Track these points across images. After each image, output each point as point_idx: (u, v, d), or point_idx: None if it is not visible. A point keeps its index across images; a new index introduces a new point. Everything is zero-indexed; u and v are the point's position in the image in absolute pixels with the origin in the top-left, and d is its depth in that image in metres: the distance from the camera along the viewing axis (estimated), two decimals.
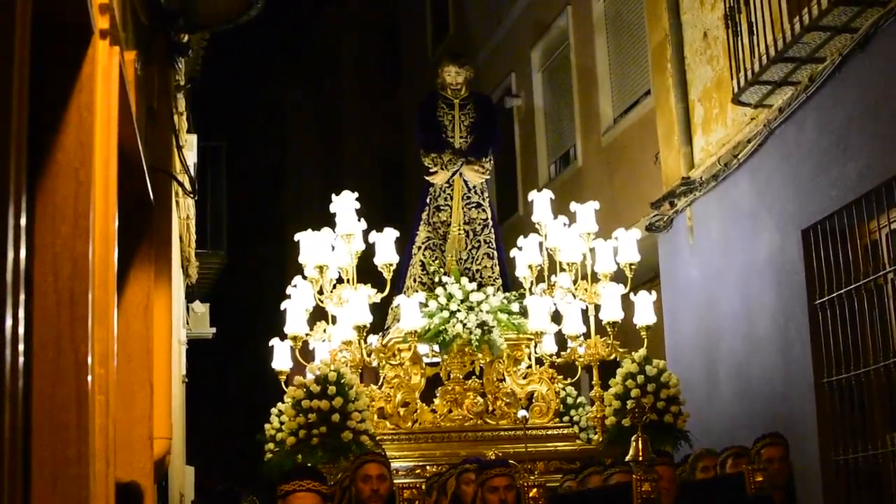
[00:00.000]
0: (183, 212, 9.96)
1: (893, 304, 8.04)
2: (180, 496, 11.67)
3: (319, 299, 8.97)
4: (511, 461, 7.11)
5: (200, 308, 15.56)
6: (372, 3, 22.55)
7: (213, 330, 15.93)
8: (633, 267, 9.19)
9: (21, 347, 2.35)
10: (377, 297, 8.85)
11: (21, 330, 2.37)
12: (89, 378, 3.20)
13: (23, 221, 2.32)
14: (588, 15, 13.69)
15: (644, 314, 9.11)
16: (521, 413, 8.19)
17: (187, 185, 8.70)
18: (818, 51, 8.47)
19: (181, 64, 7.50)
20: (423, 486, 7.09)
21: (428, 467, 8.39)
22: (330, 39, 23.97)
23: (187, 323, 14.32)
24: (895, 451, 8.02)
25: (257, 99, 27.61)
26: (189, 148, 10.65)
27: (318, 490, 5.05)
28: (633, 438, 5.79)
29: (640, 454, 5.73)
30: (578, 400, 9.96)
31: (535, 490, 6.30)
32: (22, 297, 2.36)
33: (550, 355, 9.34)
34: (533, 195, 9.58)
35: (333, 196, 9.19)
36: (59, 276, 3.17)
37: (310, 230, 9.09)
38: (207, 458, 20.46)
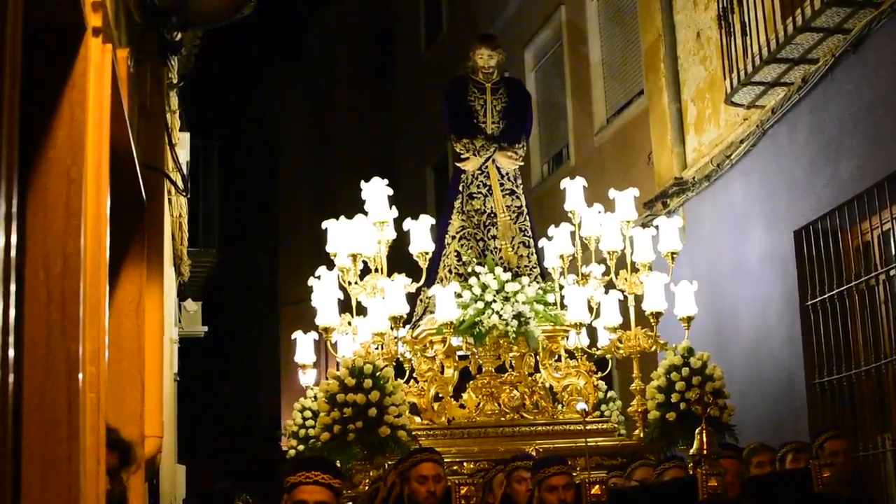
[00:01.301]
0: (175, 210, 9.94)
1: (885, 305, 8.05)
2: (172, 495, 11.65)
3: (349, 290, 8.58)
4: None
5: (192, 306, 15.54)
6: (366, 2, 22.53)
7: (205, 328, 15.92)
8: (675, 256, 8.85)
9: (11, 339, 2.35)
10: (412, 287, 8.55)
11: (12, 318, 2.36)
12: (80, 376, 3.19)
13: (14, 208, 2.32)
14: (581, 14, 13.69)
15: (685, 305, 8.69)
16: (581, 406, 7.80)
17: (179, 184, 8.69)
18: (811, 52, 8.49)
19: (174, 62, 7.50)
20: (479, 482, 6.74)
21: (465, 464, 8.08)
22: (324, 39, 23.95)
23: (179, 321, 14.31)
24: (886, 452, 8.03)
25: (251, 98, 27.58)
26: (182, 146, 10.64)
27: (328, 483, 4.36)
28: (696, 432, 5.55)
29: (706, 448, 5.48)
30: (609, 394, 9.62)
31: (597, 487, 5.94)
32: (13, 286, 2.35)
33: (589, 347, 8.95)
34: (566, 182, 9.14)
35: (363, 183, 8.84)
36: (50, 273, 3.16)
37: (342, 217, 8.71)
38: (200, 456, 20.47)
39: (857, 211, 8.22)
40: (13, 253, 2.36)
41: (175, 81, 8.38)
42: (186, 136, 11.92)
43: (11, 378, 2.38)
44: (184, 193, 9.44)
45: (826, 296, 8.61)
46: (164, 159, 6.89)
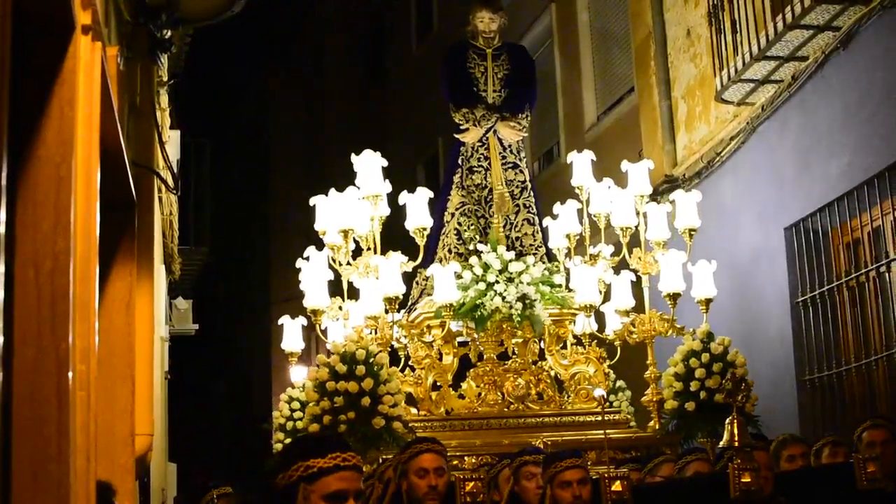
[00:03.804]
0: (166, 208, 9.93)
1: (874, 302, 8.07)
2: (162, 492, 11.66)
3: (340, 270, 7.96)
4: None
5: (183, 304, 15.54)
6: (358, 2, 22.53)
7: (196, 326, 15.92)
8: (693, 233, 8.25)
9: (0, 324, 2.34)
10: (409, 266, 7.97)
11: (1, 299, 2.36)
12: (70, 374, 3.19)
13: (3, 180, 2.32)
14: (572, 12, 13.70)
15: (703, 286, 8.07)
16: (599, 392, 7.14)
17: (170, 182, 8.67)
18: (801, 49, 8.51)
19: (164, 59, 7.48)
20: (485, 477, 5.94)
21: (466, 458, 7.47)
22: (315, 37, 23.95)
23: (170, 319, 14.30)
24: None
25: (242, 95, 27.57)
26: (172, 144, 10.63)
27: (362, 468, 3.52)
28: (727, 422, 4.99)
29: (737, 439, 4.91)
30: (618, 384, 8.97)
31: (618, 483, 5.27)
32: (2, 266, 2.35)
33: (600, 331, 8.43)
34: (573, 156, 8.58)
35: (353, 156, 8.27)
36: (39, 271, 3.15)
37: (332, 190, 8.10)
38: (192, 454, 20.47)
39: (848, 208, 8.24)
40: (2, 229, 2.36)
41: (165, 79, 8.36)
42: (177, 133, 11.91)
43: (1, 377, 2.38)
44: (174, 191, 9.41)
45: (816, 292, 8.63)
46: (154, 157, 6.88)
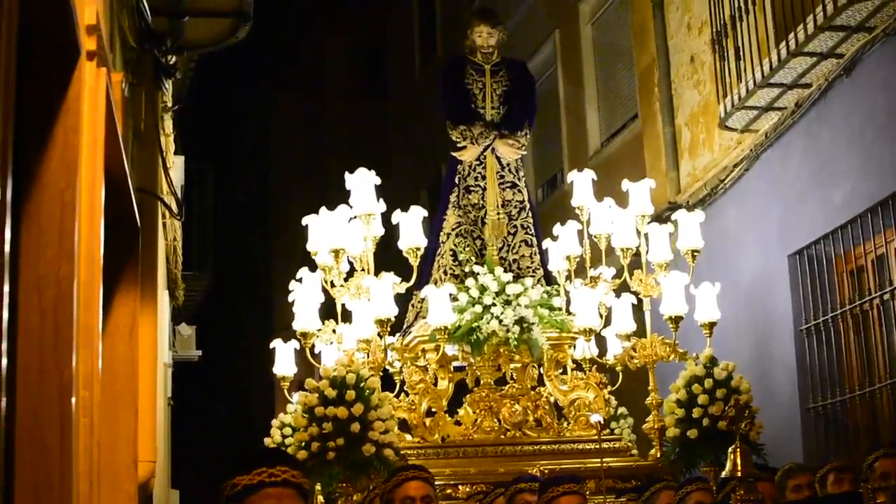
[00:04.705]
0: (170, 233, 9.93)
1: (878, 329, 8.05)
2: None
3: (332, 292, 7.73)
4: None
5: (187, 330, 15.52)
6: (360, 25, 22.60)
7: (199, 352, 15.89)
8: (696, 255, 8.01)
9: (4, 346, 2.34)
10: (402, 287, 7.70)
11: (5, 321, 2.36)
12: (73, 400, 3.18)
13: (8, 195, 2.32)
14: (576, 38, 13.72)
15: (707, 309, 7.87)
16: (595, 417, 6.84)
17: (174, 207, 8.68)
18: (804, 76, 8.51)
19: (168, 85, 7.50)
20: None
21: (461, 486, 7.31)
22: (317, 60, 24.00)
23: (173, 345, 14.28)
24: None
25: (244, 121, 27.61)
26: (176, 169, 10.64)
27: (299, 483, 3.02)
28: (730, 450, 4.77)
29: (741, 469, 4.68)
30: (620, 410, 8.66)
31: None
32: (6, 287, 2.35)
33: (600, 356, 8.20)
34: (573, 175, 8.43)
35: (347, 174, 7.99)
36: (43, 297, 3.15)
37: (323, 208, 7.85)
38: (195, 480, 20.41)
39: (851, 235, 8.23)
40: (7, 248, 2.36)
41: (170, 105, 8.38)
42: (181, 159, 11.93)
43: (4, 401, 2.38)
44: (178, 217, 9.42)
45: (820, 320, 8.60)
46: (158, 183, 6.90)
